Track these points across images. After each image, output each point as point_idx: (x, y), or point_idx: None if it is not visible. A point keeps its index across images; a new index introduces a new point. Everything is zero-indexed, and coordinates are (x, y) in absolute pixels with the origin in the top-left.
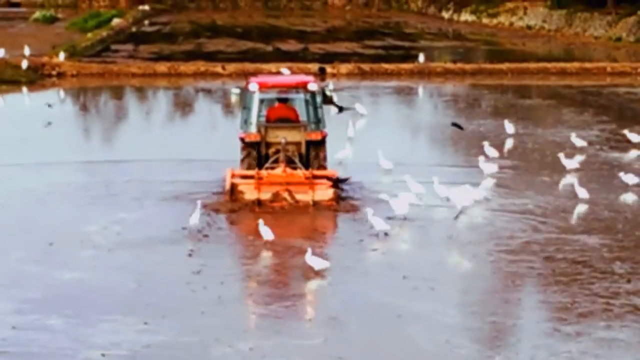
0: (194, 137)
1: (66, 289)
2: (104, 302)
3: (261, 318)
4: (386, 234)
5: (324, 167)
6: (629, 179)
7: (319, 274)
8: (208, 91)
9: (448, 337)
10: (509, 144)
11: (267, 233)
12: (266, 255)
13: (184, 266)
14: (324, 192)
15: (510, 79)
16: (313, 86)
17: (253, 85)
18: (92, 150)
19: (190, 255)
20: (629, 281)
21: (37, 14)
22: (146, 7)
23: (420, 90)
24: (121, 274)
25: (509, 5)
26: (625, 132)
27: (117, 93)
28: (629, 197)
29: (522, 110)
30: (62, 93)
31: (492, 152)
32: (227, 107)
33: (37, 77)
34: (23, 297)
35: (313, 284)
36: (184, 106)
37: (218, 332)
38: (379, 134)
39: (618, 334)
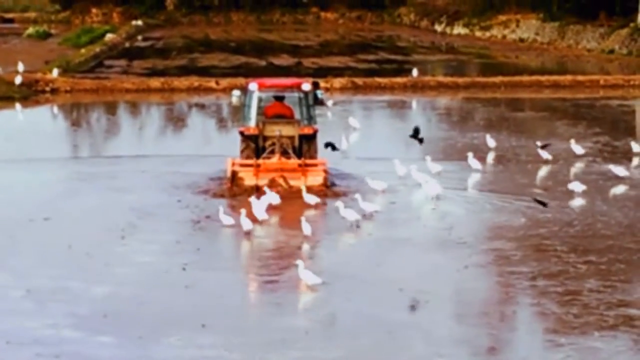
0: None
1: (103, 305)
2: (148, 317)
3: (264, 330)
4: (358, 226)
5: (314, 158)
6: (576, 186)
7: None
8: (202, 106)
9: (441, 349)
10: (490, 157)
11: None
12: (266, 262)
13: (188, 276)
14: (315, 179)
15: (503, 92)
16: (306, 87)
17: (253, 85)
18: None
19: (183, 268)
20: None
21: (31, 29)
22: (139, 23)
23: (414, 103)
24: (157, 289)
25: (502, 18)
26: (571, 142)
27: (111, 108)
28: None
29: (515, 123)
30: (55, 109)
31: (475, 163)
32: (220, 121)
33: (31, 93)
34: (66, 312)
35: (311, 296)
36: (177, 121)
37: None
38: (372, 146)
39: (608, 345)
